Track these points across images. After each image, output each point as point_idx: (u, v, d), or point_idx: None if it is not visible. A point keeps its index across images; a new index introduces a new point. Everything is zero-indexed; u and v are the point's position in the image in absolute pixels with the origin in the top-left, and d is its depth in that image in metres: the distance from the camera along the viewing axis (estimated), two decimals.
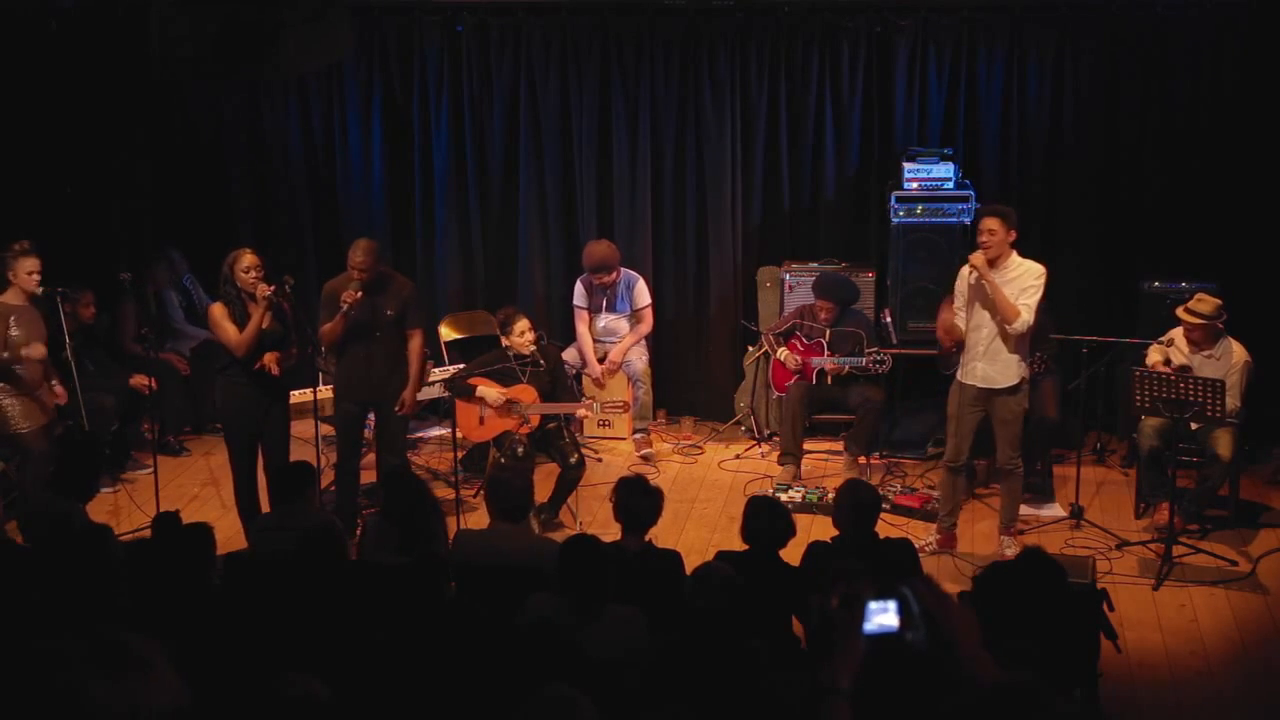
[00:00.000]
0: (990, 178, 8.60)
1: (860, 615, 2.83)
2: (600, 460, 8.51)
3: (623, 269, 8.65)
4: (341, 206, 9.33)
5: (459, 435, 7.59)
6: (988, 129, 8.63)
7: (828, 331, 8.17)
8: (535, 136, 9.05)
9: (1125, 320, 8.10)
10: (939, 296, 8.07)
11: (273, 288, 6.63)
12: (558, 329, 9.02)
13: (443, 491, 7.41)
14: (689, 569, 4.81)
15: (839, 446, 8.39)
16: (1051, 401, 7.63)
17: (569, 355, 8.64)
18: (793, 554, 5.29)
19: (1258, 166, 8.22)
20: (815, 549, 5.38)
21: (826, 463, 8.40)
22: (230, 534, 6.61)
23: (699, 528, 7.37)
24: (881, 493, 6.72)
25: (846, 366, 8.01)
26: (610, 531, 5.69)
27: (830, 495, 6.64)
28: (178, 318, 8.83)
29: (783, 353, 8.25)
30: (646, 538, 5.39)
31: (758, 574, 4.91)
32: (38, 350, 6.90)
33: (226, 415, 7.03)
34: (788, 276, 8.73)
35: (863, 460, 8.16)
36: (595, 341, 8.75)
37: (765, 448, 8.61)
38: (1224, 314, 7.08)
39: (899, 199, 8.27)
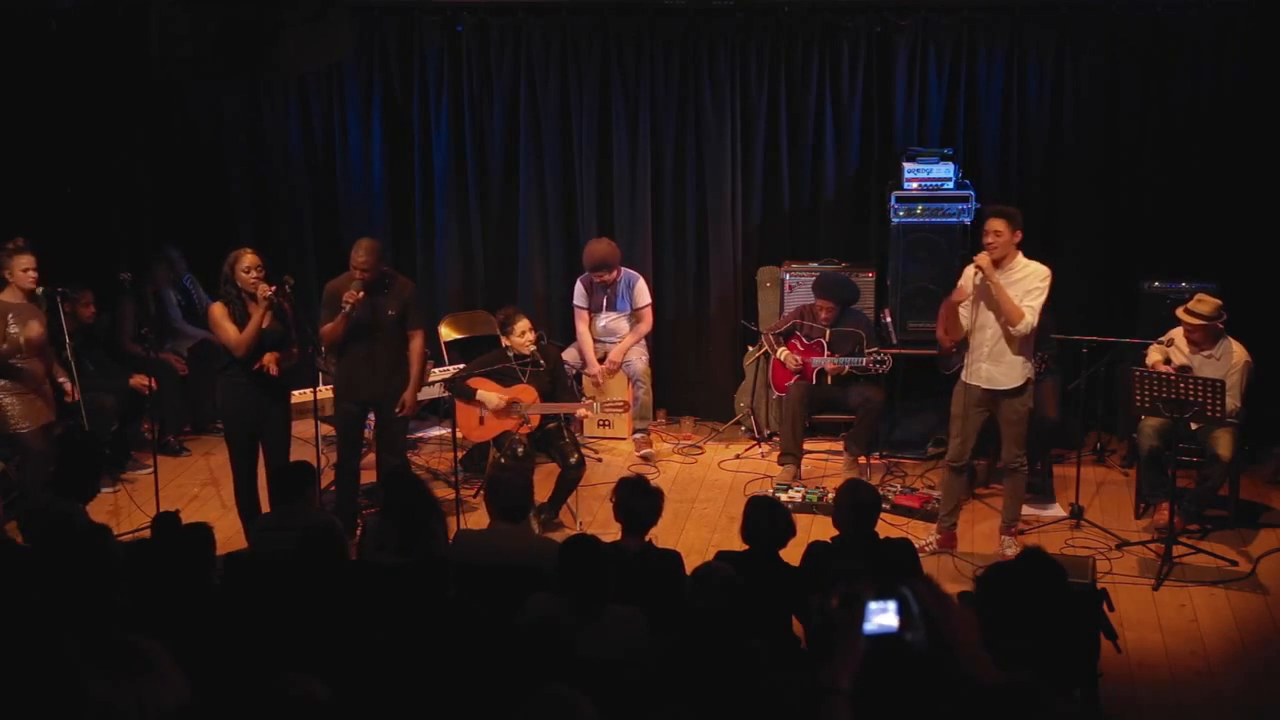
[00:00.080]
0: (990, 178, 8.60)
1: (860, 615, 2.83)
2: (600, 460, 8.51)
3: (623, 268, 8.65)
4: (341, 206, 9.34)
5: (459, 435, 7.59)
6: (988, 129, 8.63)
7: (828, 331, 8.17)
8: (535, 136, 9.05)
9: (1125, 320, 8.10)
10: (939, 296, 8.07)
11: (273, 288, 6.63)
12: (558, 329, 9.02)
13: (443, 491, 7.40)
14: (689, 569, 4.81)
15: (839, 446, 8.39)
16: (1051, 401, 7.63)
17: (569, 355, 8.64)
18: (793, 554, 5.29)
19: (1258, 166, 8.22)
20: (815, 549, 5.38)
21: (826, 463, 8.40)
22: (230, 534, 6.61)
23: (699, 528, 7.37)
24: (881, 493, 6.72)
25: (847, 366, 8.01)
26: (610, 531, 5.69)
27: (830, 495, 6.63)
28: (176, 317, 8.83)
29: (783, 353, 8.25)
30: (646, 538, 5.39)
31: (758, 574, 4.90)
32: (34, 329, 6.86)
33: (227, 415, 7.04)
34: (788, 276, 8.73)
35: (863, 460, 8.16)
36: (595, 341, 8.75)
37: (765, 448, 8.61)
38: (1224, 314, 7.08)
39: (899, 199, 8.27)
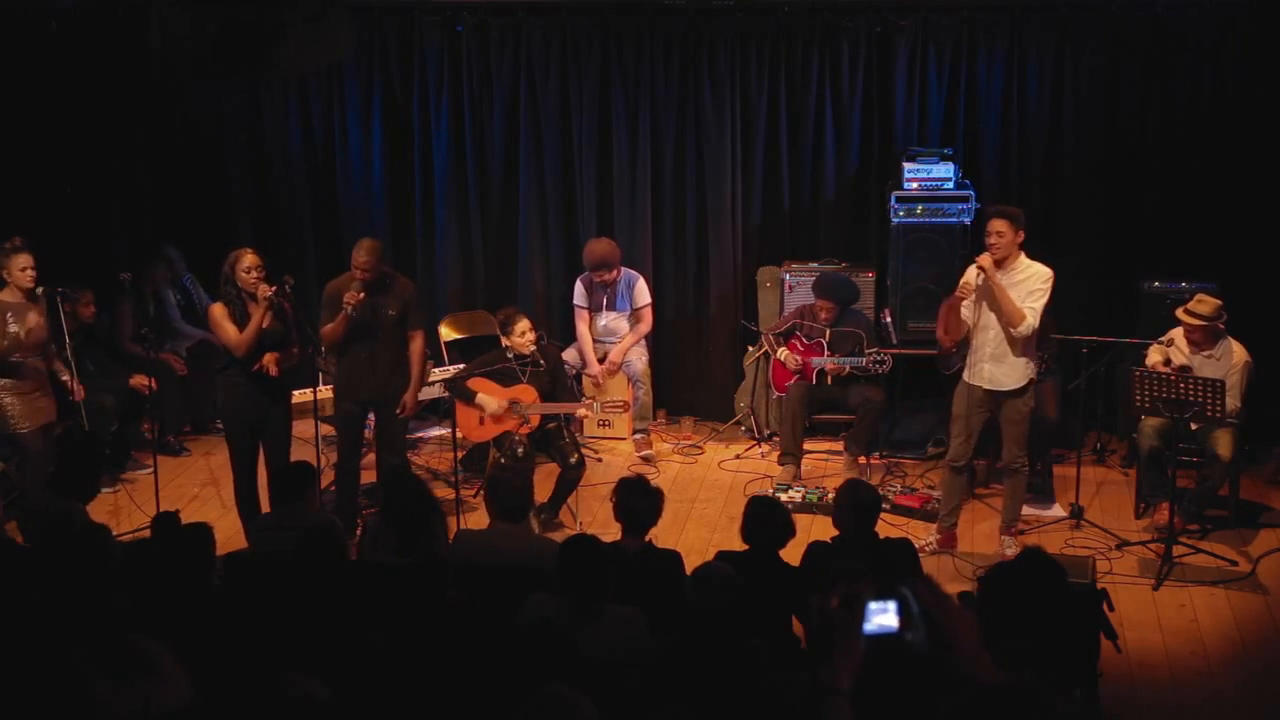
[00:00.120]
0: (990, 178, 8.60)
1: (860, 615, 2.83)
2: (600, 460, 8.51)
3: (623, 268, 8.65)
4: (341, 206, 9.34)
5: (459, 435, 7.59)
6: (988, 129, 8.63)
7: (828, 331, 8.17)
8: (535, 136, 9.05)
9: (1125, 320, 8.10)
10: (939, 296, 8.07)
11: (274, 288, 6.63)
12: (558, 329, 9.02)
13: (443, 491, 7.41)
14: (689, 569, 4.81)
15: (839, 446, 8.39)
16: (1051, 401, 7.63)
17: (569, 355, 8.64)
18: (793, 554, 5.29)
19: (1258, 166, 8.22)
20: (815, 549, 5.38)
21: (826, 463, 8.40)
22: (230, 534, 6.61)
23: (699, 528, 7.37)
24: (881, 493, 6.72)
25: (847, 367, 8.01)
26: (610, 531, 5.69)
27: (830, 495, 6.64)
28: (175, 317, 8.82)
29: (783, 353, 8.25)
30: (646, 538, 5.39)
31: (758, 574, 4.91)
32: (33, 319, 6.84)
33: (227, 415, 7.04)
34: (788, 276, 8.73)
35: (863, 460, 8.16)
36: (595, 341, 8.75)
37: (765, 448, 8.61)
38: (1224, 315, 7.07)
39: (899, 199, 8.27)
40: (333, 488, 7.38)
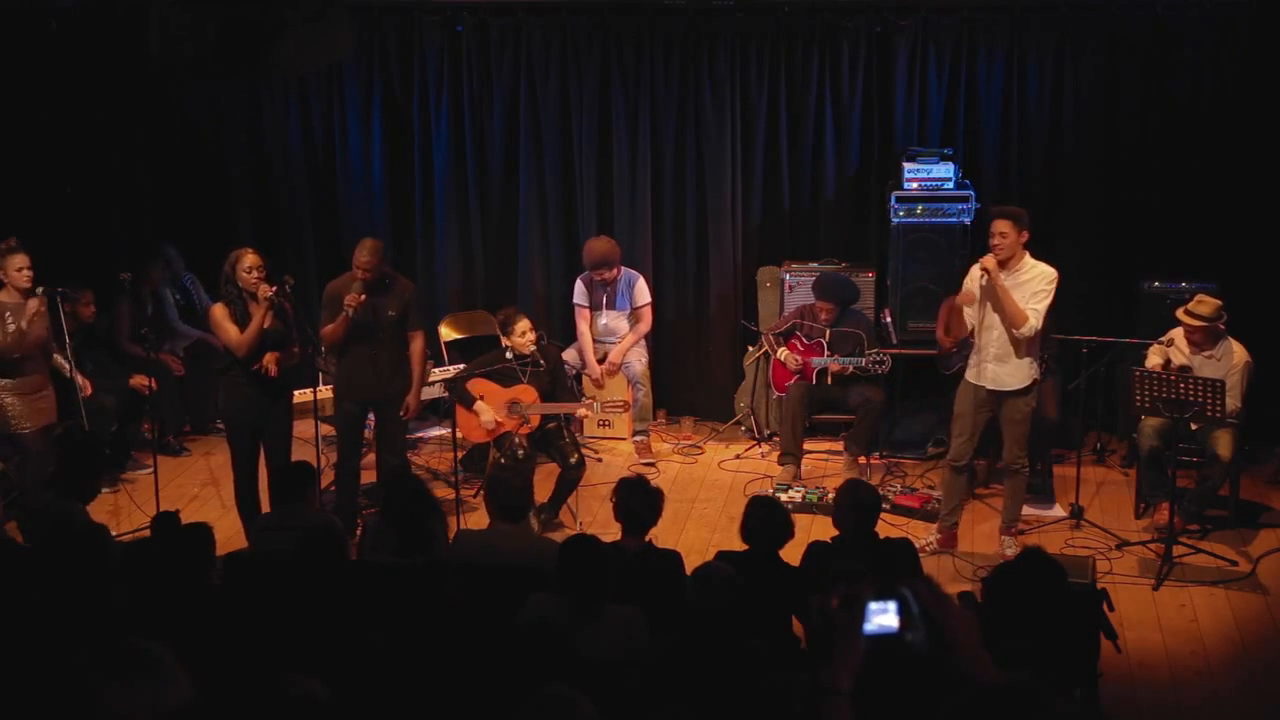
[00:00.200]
0: (990, 178, 8.60)
1: (860, 616, 2.83)
2: (600, 460, 8.51)
3: (623, 267, 8.65)
4: (341, 206, 9.34)
5: (459, 435, 7.59)
6: (988, 129, 8.63)
7: (828, 331, 8.17)
8: (535, 136, 9.05)
9: (1125, 320, 8.10)
10: (939, 296, 8.08)
11: (274, 288, 6.63)
12: (558, 329, 9.02)
13: (443, 491, 7.41)
14: (689, 569, 4.81)
15: (839, 446, 8.39)
16: (1051, 401, 7.63)
17: (569, 355, 8.65)
18: (793, 554, 5.29)
19: (1258, 166, 8.22)
20: (815, 549, 5.38)
21: (826, 463, 8.40)
22: (230, 534, 6.61)
23: (699, 528, 7.37)
24: (881, 493, 6.72)
25: (849, 367, 8.01)
26: (610, 531, 5.69)
27: (830, 495, 6.64)
28: (173, 317, 8.82)
29: (783, 353, 8.25)
30: (646, 538, 5.39)
31: (758, 574, 4.91)
32: (32, 305, 6.82)
33: (228, 415, 7.04)
34: (788, 276, 8.73)
35: (863, 460, 8.16)
36: (595, 341, 8.75)
37: (765, 448, 8.61)
38: (1224, 315, 7.07)
39: (899, 199, 8.27)
40: (333, 488, 7.38)
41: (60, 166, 8.80)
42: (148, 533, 5.32)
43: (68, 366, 7.25)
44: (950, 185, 8.25)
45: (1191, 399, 6.60)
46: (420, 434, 8.83)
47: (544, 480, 7.40)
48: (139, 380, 8.10)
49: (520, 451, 7.26)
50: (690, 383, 9.34)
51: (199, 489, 8.06)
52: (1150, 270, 8.25)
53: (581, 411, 7.76)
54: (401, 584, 5.01)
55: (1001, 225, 6.47)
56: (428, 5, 8.94)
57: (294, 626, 4.28)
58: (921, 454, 8.38)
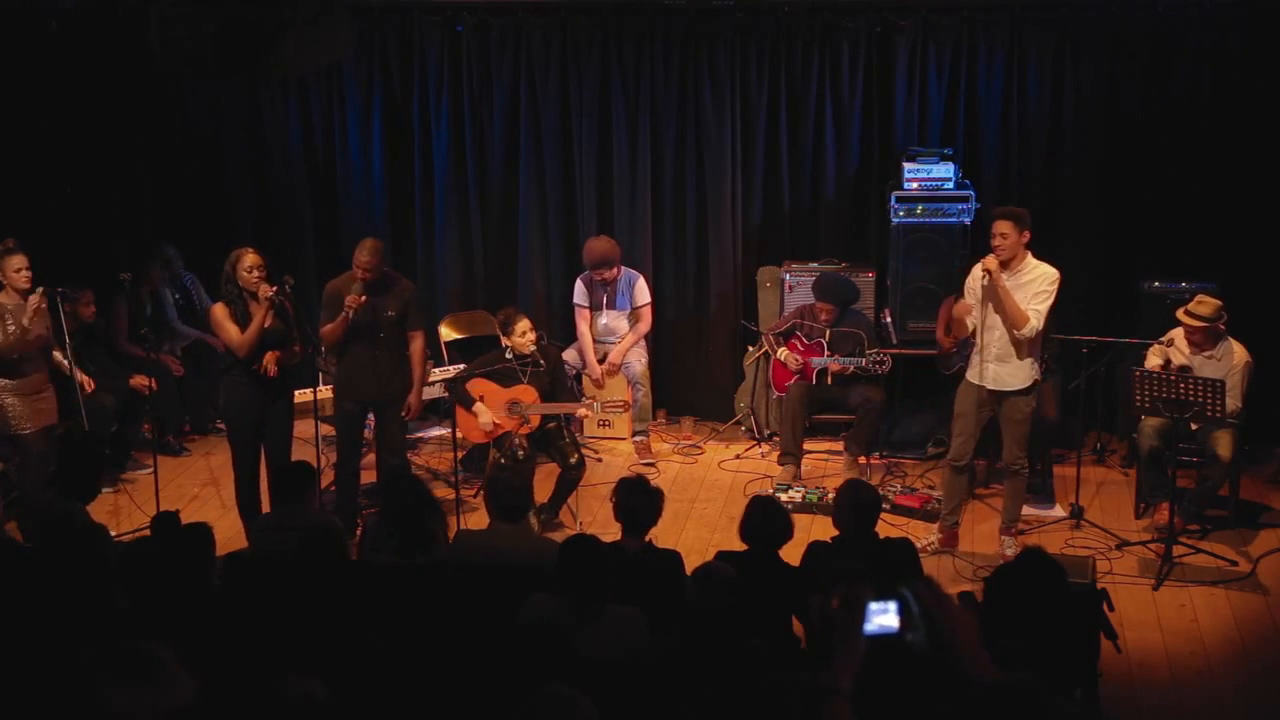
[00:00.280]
0: (990, 178, 8.60)
1: (860, 616, 2.83)
2: (600, 460, 8.51)
3: (623, 267, 8.65)
4: (341, 206, 9.34)
5: (459, 435, 7.59)
6: (988, 129, 8.63)
7: (828, 332, 8.17)
8: (535, 136, 9.05)
9: (1125, 320, 8.10)
10: (939, 296, 8.08)
11: (275, 288, 6.63)
12: (558, 329, 9.02)
13: (443, 491, 7.41)
14: (689, 569, 4.81)
15: (839, 446, 8.39)
16: (1051, 401, 7.63)
17: (569, 355, 8.65)
18: (793, 554, 5.29)
19: (1258, 166, 8.22)
20: (815, 549, 5.38)
21: (826, 463, 8.40)
22: (230, 534, 6.62)
23: (699, 528, 7.36)
24: (881, 493, 6.72)
25: (850, 367, 8.01)
26: (610, 531, 5.69)
27: (830, 495, 6.64)
28: (172, 317, 8.82)
29: (783, 353, 8.25)
30: (646, 538, 5.39)
31: (758, 574, 4.91)
32: (34, 300, 6.82)
33: (230, 416, 7.03)
34: (788, 276, 8.73)
35: (863, 460, 8.16)
36: (595, 341, 8.76)
37: (765, 448, 8.61)
38: (1224, 315, 7.07)
39: (899, 199, 8.26)
40: (333, 488, 7.38)
41: (60, 167, 8.79)
42: (148, 533, 5.32)
43: (67, 364, 7.25)
44: (950, 185, 8.25)
45: (1191, 399, 6.60)
46: (420, 434, 8.83)
47: (544, 480, 7.40)
48: (139, 380, 8.10)
49: (520, 451, 7.25)
50: (690, 383, 9.34)
51: (199, 489, 8.06)
52: (1150, 270, 8.24)
53: (581, 411, 7.75)
54: (401, 584, 5.01)
55: (1003, 226, 6.47)
56: (428, 5, 8.94)
57: (294, 626, 4.28)
58: (921, 454, 8.38)
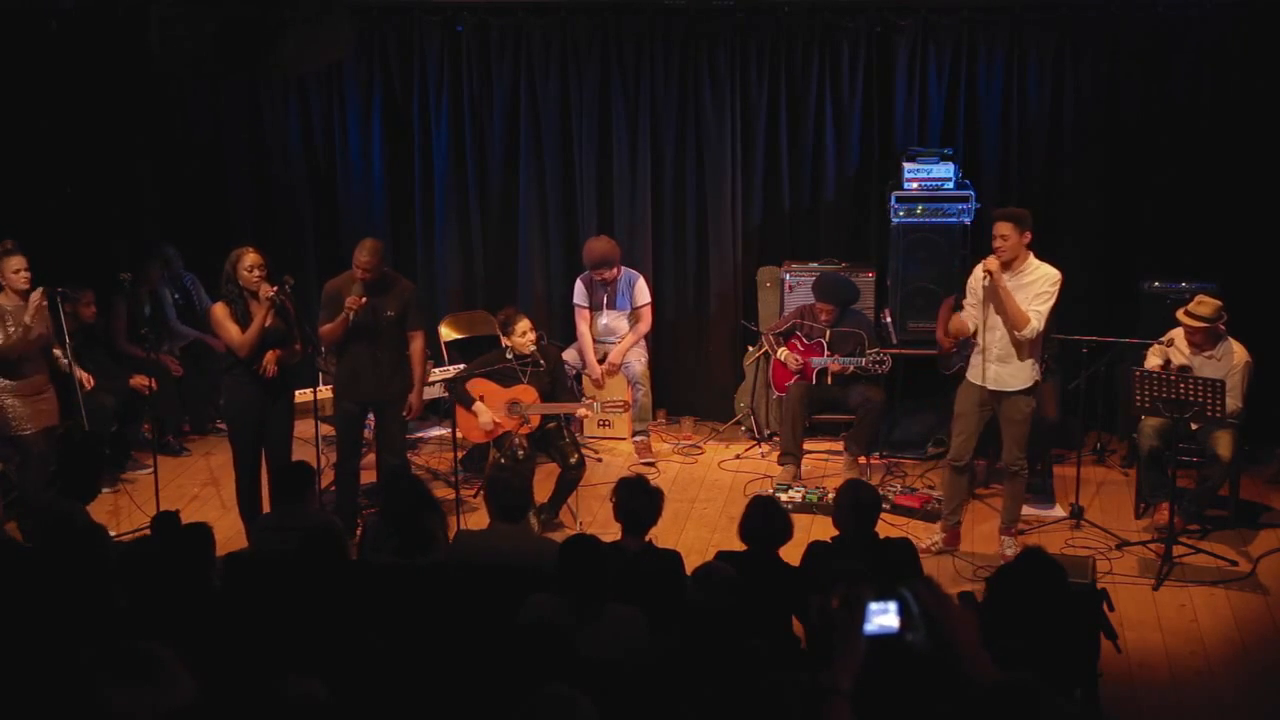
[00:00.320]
0: (990, 178, 8.60)
1: (861, 616, 2.83)
2: (600, 460, 8.51)
3: (623, 267, 8.66)
4: (341, 206, 9.34)
5: (459, 435, 7.59)
6: (988, 129, 8.63)
7: (828, 332, 8.18)
8: (535, 136, 9.05)
9: (1125, 320, 8.09)
10: (939, 296, 8.08)
11: (275, 288, 6.63)
12: (558, 329, 9.02)
13: (443, 491, 7.41)
14: (689, 569, 4.81)
15: (839, 446, 8.39)
16: (1051, 401, 7.63)
17: (569, 355, 8.65)
18: (793, 554, 5.29)
19: (1258, 166, 8.22)
20: (815, 549, 5.38)
21: (826, 463, 8.40)
22: (230, 534, 6.62)
23: (699, 528, 7.37)
24: (881, 493, 6.72)
25: (850, 367, 8.01)
26: (610, 531, 5.69)
27: (830, 495, 6.64)
28: (171, 316, 8.81)
29: (783, 353, 8.25)
30: (646, 538, 5.39)
31: (757, 574, 4.90)
32: (34, 299, 6.82)
33: (231, 416, 7.03)
34: (788, 276, 8.73)
35: (863, 460, 8.16)
36: (595, 342, 8.76)
37: (765, 448, 8.61)
38: (1224, 316, 7.07)
39: (899, 199, 8.26)
40: (333, 488, 7.38)
41: (60, 167, 8.80)
42: (148, 533, 5.32)
43: (66, 362, 7.25)
44: (950, 185, 8.25)
45: (1191, 399, 6.60)
46: (420, 434, 8.83)
47: (544, 480, 7.40)
48: (139, 380, 8.10)
49: (520, 451, 7.25)
50: (690, 383, 9.34)
51: (199, 489, 8.06)
52: (1150, 270, 8.25)
53: (581, 411, 7.75)
54: (401, 584, 5.01)
55: (1003, 227, 6.46)
56: (428, 5, 8.94)
57: (294, 627, 4.28)
58: (921, 454, 8.38)
